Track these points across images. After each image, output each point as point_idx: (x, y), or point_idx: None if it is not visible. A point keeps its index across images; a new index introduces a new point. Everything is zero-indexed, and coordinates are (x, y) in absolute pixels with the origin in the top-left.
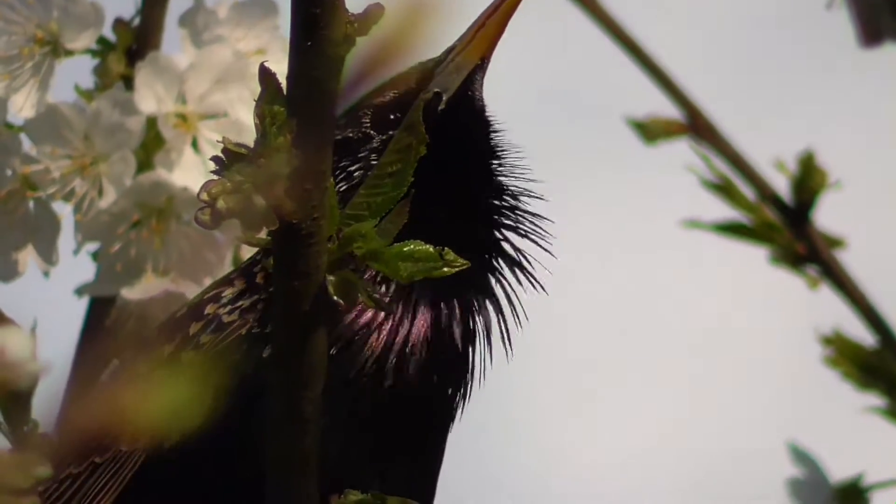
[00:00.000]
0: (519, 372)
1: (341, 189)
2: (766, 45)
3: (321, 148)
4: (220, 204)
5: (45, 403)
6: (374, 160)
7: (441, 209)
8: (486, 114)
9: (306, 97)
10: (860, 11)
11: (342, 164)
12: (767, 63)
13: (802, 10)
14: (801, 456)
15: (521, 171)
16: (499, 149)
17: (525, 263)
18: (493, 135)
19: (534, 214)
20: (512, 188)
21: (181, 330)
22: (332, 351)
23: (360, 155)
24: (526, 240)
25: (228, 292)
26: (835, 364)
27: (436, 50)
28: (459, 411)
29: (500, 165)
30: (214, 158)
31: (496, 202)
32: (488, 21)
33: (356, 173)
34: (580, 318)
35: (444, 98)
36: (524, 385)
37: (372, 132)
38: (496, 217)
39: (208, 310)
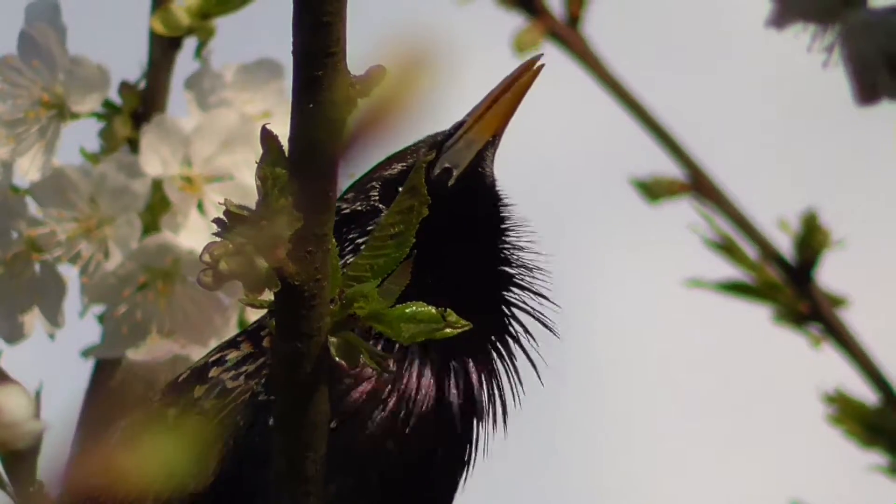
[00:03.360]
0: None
1: (348, 261)
2: (768, 104)
3: (323, 210)
4: (223, 266)
5: (50, 464)
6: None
7: (445, 271)
8: (496, 189)
9: (308, 159)
10: (856, 69)
11: (350, 235)
12: (769, 122)
13: (804, 70)
14: None
15: (527, 240)
16: (506, 221)
17: (527, 326)
18: (501, 210)
19: (536, 276)
20: (515, 253)
21: (185, 393)
22: (336, 416)
23: (368, 227)
24: (528, 302)
25: (233, 356)
26: (838, 422)
27: (436, 108)
28: (466, 473)
29: (505, 235)
30: (217, 220)
31: (499, 266)
32: (501, 98)
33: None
34: (580, 377)
35: (454, 174)
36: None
37: (380, 205)
38: (499, 280)
39: (212, 373)
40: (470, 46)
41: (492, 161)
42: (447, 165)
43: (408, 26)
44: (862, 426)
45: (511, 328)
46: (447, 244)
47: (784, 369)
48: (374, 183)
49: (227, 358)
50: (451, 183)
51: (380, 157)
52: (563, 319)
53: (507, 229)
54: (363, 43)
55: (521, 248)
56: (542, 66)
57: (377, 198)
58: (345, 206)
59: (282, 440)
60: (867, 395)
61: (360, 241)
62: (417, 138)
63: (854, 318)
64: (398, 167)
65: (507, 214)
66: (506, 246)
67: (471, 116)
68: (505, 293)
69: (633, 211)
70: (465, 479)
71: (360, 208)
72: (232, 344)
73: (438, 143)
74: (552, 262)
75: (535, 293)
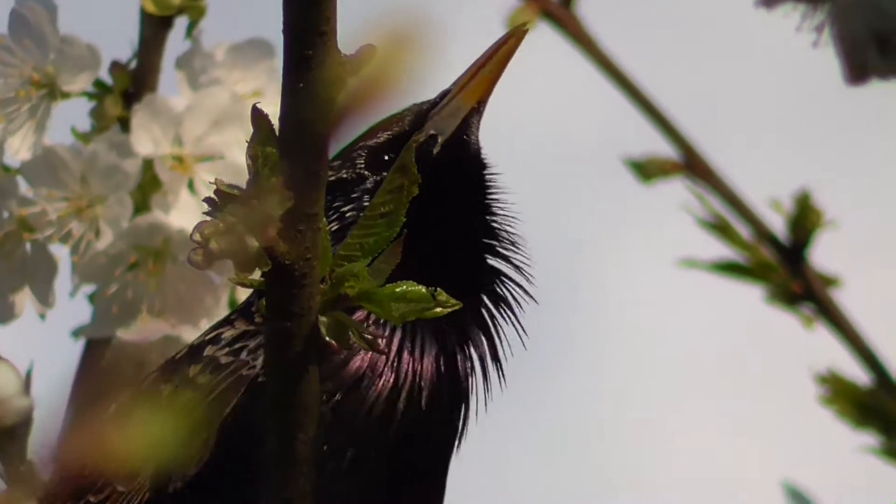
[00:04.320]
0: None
1: (334, 229)
2: (761, 83)
3: (314, 189)
4: (213, 245)
5: (41, 443)
6: (367, 201)
7: (434, 250)
8: (482, 157)
9: (298, 138)
10: (846, 49)
11: (336, 204)
12: (762, 101)
13: (795, 49)
14: (796, 495)
15: (514, 215)
16: (493, 192)
17: (516, 303)
18: (487, 178)
19: (525, 255)
20: (505, 230)
21: (179, 371)
22: (328, 393)
23: (353, 195)
24: (517, 280)
25: (228, 334)
26: (830, 403)
27: (425, 86)
28: (457, 449)
29: (493, 208)
30: (207, 200)
31: (489, 243)
32: (486, 65)
33: (350, 214)
34: (569, 358)
35: (439, 140)
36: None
37: (366, 173)
38: (489, 257)
39: (207, 351)
40: (463, 24)
41: (477, 128)
42: (432, 132)
43: (396, 4)
44: (854, 407)
45: (501, 305)
46: (436, 221)
47: (776, 349)
48: (359, 151)
49: (223, 336)
50: (436, 150)
51: (365, 128)
52: (551, 296)
53: (493, 200)
54: (353, 21)
55: (507, 223)
56: (527, 31)
57: (363, 165)
58: (331, 173)
59: (273, 420)
60: (860, 375)
61: (345, 209)
62: (403, 107)
63: (847, 298)
64: (384, 136)
65: (492, 183)
66: (493, 220)
67: (456, 85)
68: (493, 271)
69: (627, 190)
70: (459, 448)
71: (345, 176)
72: (227, 322)
73: (424, 112)
74: (541, 236)
75: (521, 270)
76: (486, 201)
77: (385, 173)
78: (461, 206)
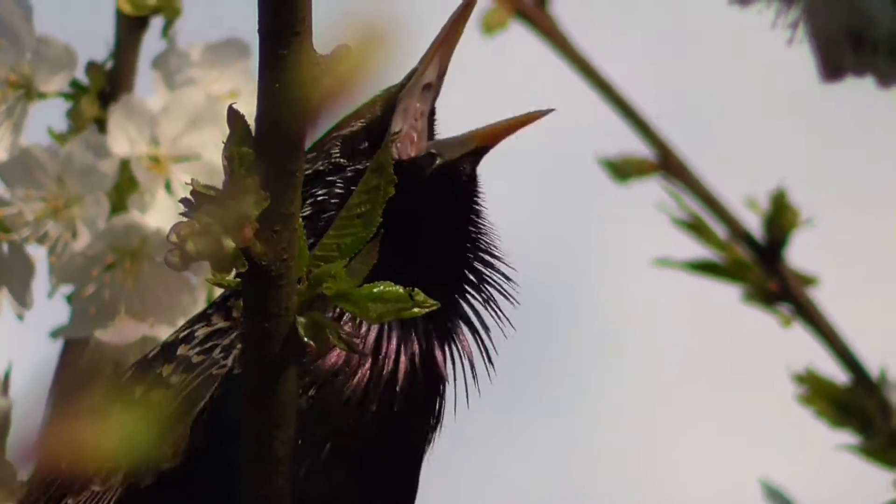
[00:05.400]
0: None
1: (317, 222)
2: (736, 81)
3: (289, 189)
4: (189, 246)
5: (20, 443)
6: (341, 189)
7: (412, 250)
8: (475, 186)
9: (274, 138)
10: (820, 46)
11: (315, 195)
12: (737, 99)
13: (770, 46)
14: (774, 494)
15: (497, 235)
16: (478, 213)
17: (494, 304)
18: (476, 203)
19: (500, 257)
20: (486, 239)
21: (152, 370)
22: (306, 392)
23: (332, 187)
24: (495, 281)
25: (201, 332)
26: (808, 402)
27: (395, 77)
28: (431, 446)
29: (476, 223)
30: (183, 200)
31: (469, 245)
32: (445, 38)
33: (329, 203)
34: (547, 358)
35: (436, 162)
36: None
37: (342, 161)
38: (467, 258)
39: (180, 350)
40: (437, 22)
41: (476, 164)
42: (433, 152)
43: (366, 2)
44: (832, 406)
45: (478, 305)
46: (416, 225)
47: (753, 349)
48: (334, 141)
49: (196, 334)
50: (430, 169)
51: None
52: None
53: (477, 218)
54: (325, 19)
55: (489, 236)
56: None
57: (338, 155)
58: (306, 166)
59: (250, 419)
60: (837, 374)
61: (324, 199)
62: (373, 94)
63: (824, 298)
64: (357, 124)
65: (478, 211)
66: (474, 230)
67: (422, 62)
68: (472, 271)
69: (602, 189)
70: (433, 445)
71: (322, 168)
72: (202, 318)
73: (394, 96)
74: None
75: (500, 272)
76: (470, 221)
77: (361, 161)
78: (444, 219)
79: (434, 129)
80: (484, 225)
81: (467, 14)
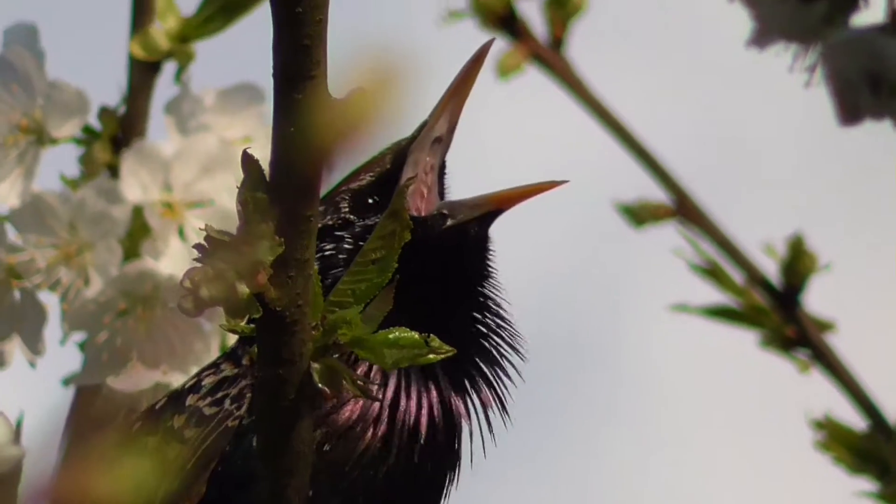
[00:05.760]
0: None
1: (325, 279)
2: (753, 124)
3: (304, 234)
4: (203, 291)
5: (31, 492)
6: (351, 244)
7: (427, 298)
8: (486, 247)
9: (289, 183)
10: (838, 89)
11: (323, 250)
12: (755, 144)
13: (787, 90)
14: None
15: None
16: (489, 274)
17: (510, 350)
18: (485, 267)
19: (510, 317)
20: (497, 297)
21: (163, 421)
22: (320, 441)
23: (341, 242)
24: (510, 328)
25: (208, 381)
26: (826, 449)
27: (408, 123)
28: (447, 497)
29: (487, 283)
30: (197, 246)
31: (482, 291)
32: (455, 90)
33: (338, 258)
34: (565, 404)
35: (448, 222)
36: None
37: (351, 217)
38: (482, 305)
39: (189, 401)
40: (452, 65)
41: (488, 225)
42: (444, 212)
43: (379, 44)
44: (851, 452)
45: (493, 352)
46: (425, 282)
47: (771, 395)
48: (343, 195)
49: (203, 383)
50: (441, 229)
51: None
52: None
53: (486, 282)
54: (340, 62)
55: (497, 295)
56: (490, 46)
57: (347, 210)
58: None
59: (264, 468)
60: (856, 421)
61: (333, 255)
62: (383, 147)
63: (842, 343)
64: (366, 178)
65: (488, 271)
66: (483, 291)
67: (432, 116)
68: (484, 319)
69: (618, 234)
70: (449, 495)
71: (330, 222)
72: (212, 367)
73: (404, 149)
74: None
75: (509, 327)
76: (479, 277)
77: (370, 216)
78: (451, 277)
79: (444, 182)
80: (494, 286)
81: (479, 65)
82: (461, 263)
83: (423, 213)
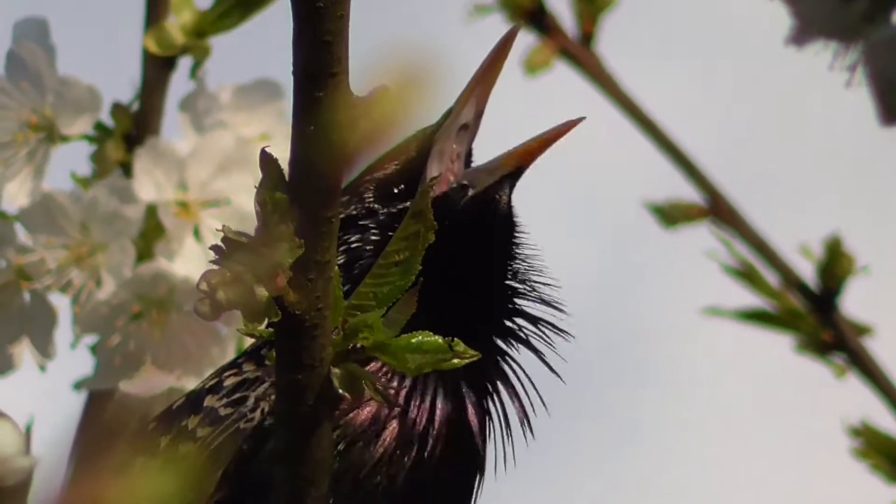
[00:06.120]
0: None
1: (351, 269)
2: (790, 122)
3: (325, 236)
4: (220, 295)
5: (42, 501)
6: (377, 235)
7: (452, 298)
8: (511, 214)
9: (309, 184)
10: (880, 89)
11: (349, 241)
12: (792, 144)
13: (827, 89)
14: None
15: (539, 269)
16: (518, 248)
17: (537, 354)
18: (514, 235)
19: (546, 303)
20: (528, 281)
21: (178, 422)
22: (341, 447)
23: (366, 232)
24: (538, 330)
25: (229, 381)
26: (864, 456)
27: (432, 118)
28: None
29: (517, 262)
30: (214, 247)
31: (510, 292)
32: (482, 76)
33: (364, 250)
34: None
35: (469, 193)
36: None
37: (376, 206)
38: (508, 307)
39: (207, 402)
40: (476, 59)
41: (511, 189)
42: (465, 182)
43: (405, 42)
44: (889, 460)
45: (521, 356)
46: (454, 270)
47: (807, 401)
48: (367, 185)
49: (225, 384)
50: (463, 201)
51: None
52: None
53: (517, 255)
54: (362, 59)
55: (531, 275)
56: (517, 31)
57: (372, 199)
58: (340, 210)
59: (282, 474)
60: (894, 427)
61: (358, 245)
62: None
63: (880, 348)
64: (391, 166)
65: (518, 240)
66: (515, 272)
67: (458, 103)
68: (513, 320)
69: (649, 234)
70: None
71: (355, 212)
72: (233, 366)
73: (429, 137)
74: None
75: (543, 321)
76: (510, 255)
77: (396, 205)
78: (483, 257)
79: None
80: (525, 258)
81: (506, 51)
82: (488, 237)
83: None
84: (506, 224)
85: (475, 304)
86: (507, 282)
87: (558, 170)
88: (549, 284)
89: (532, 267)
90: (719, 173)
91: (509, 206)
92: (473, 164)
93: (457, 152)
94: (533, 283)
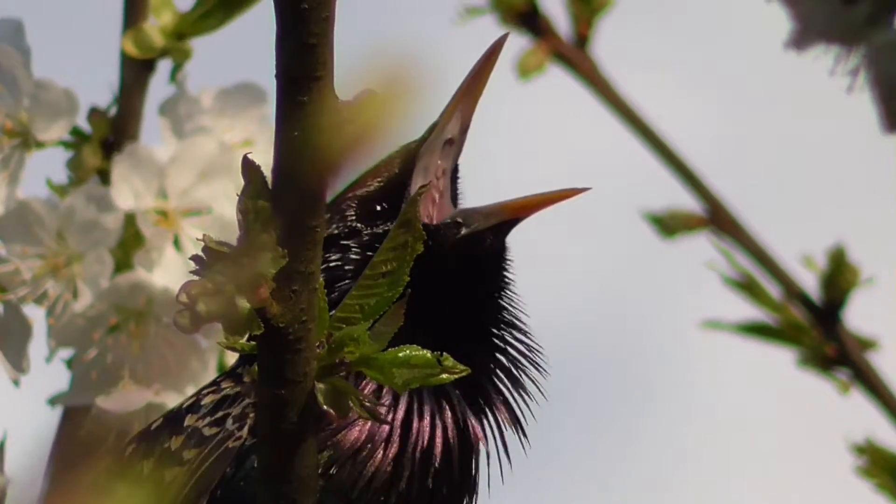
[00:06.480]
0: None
1: (331, 292)
2: (790, 129)
3: (309, 246)
4: (201, 306)
5: None
6: (358, 254)
7: (440, 311)
8: (503, 257)
9: (293, 191)
10: (883, 94)
11: (328, 261)
12: (794, 151)
13: (828, 95)
14: None
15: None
16: (506, 284)
17: (526, 369)
18: (503, 274)
19: (528, 331)
20: (513, 310)
21: (159, 442)
22: (326, 464)
23: (347, 252)
24: (527, 342)
25: (208, 399)
26: (868, 475)
27: (418, 127)
28: None
29: (504, 294)
30: (194, 257)
31: (497, 311)
32: (468, 88)
33: (344, 270)
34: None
35: (462, 231)
36: None
37: (358, 225)
38: (498, 320)
39: (188, 421)
40: (468, 66)
41: (505, 234)
42: (459, 220)
43: (392, 45)
44: (894, 478)
45: (509, 371)
46: (438, 293)
47: (809, 417)
48: (349, 202)
49: (203, 403)
50: (456, 238)
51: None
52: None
53: (504, 288)
54: (348, 62)
55: (514, 308)
56: (503, 44)
57: (354, 218)
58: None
59: (265, 494)
60: None
61: (339, 266)
62: (391, 150)
63: (885, 363)
64: (374, 183)
65: (506, 282)
66: (499, 304)
67: (443, 116)
68: (501, 335)
69: (647, 245)
70: None
71: (336, 231)
72: (211, 385)
73: (413, 152)
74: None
75: (528, 336)
76: (496, 289)
77: (379, 224)
78: (467, 288)
79: (457, 187)
80: (511, 298)
81: (493, 62)
82: (476, 275)
83: (434, 221)
84: (495, 266)
85: (464, 318)
86: (491, 314)
87: (551, 177)
88: (528, 334)
89: (515, 317)
90: (719, 181)
91: (501, 251)
92: (460, 179)
93: (442, 168)
94: (514, 319)
